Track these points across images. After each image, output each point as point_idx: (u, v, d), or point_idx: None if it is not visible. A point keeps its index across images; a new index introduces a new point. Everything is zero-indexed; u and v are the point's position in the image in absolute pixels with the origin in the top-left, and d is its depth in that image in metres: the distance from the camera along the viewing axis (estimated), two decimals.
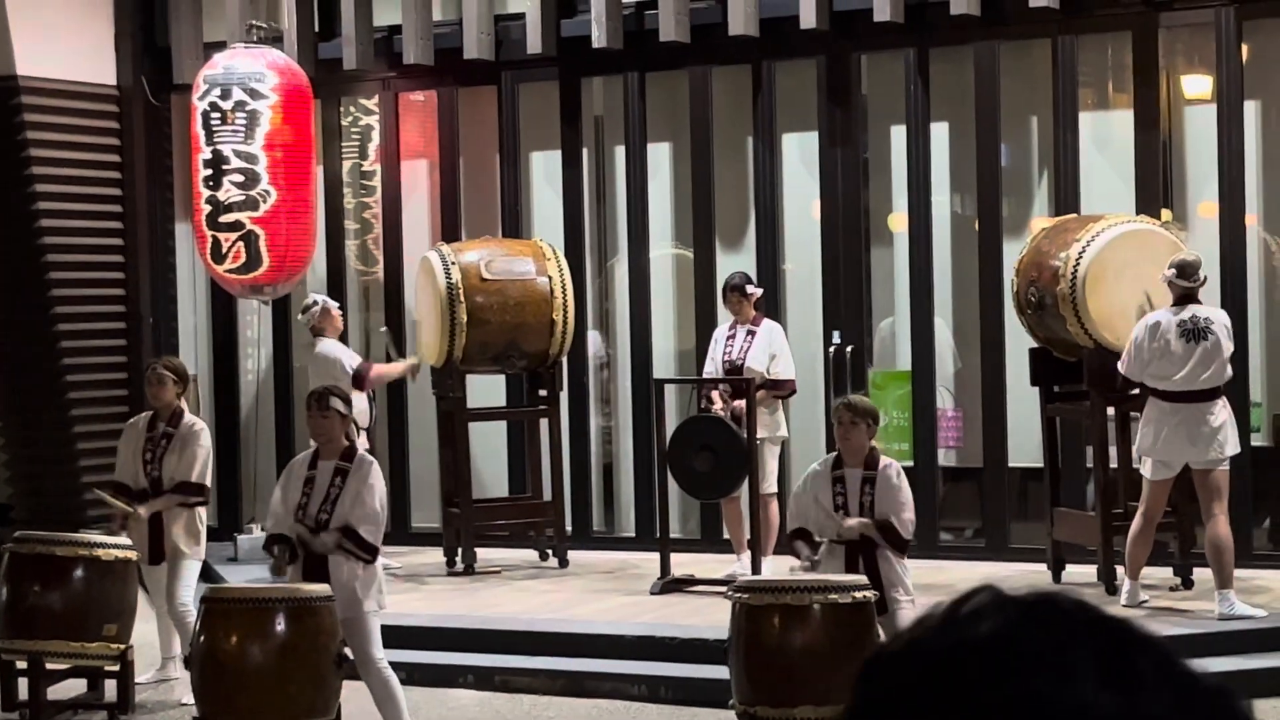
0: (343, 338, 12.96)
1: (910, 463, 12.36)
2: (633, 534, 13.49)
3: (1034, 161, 13.02)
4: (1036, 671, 0.96)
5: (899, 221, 13.15)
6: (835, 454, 8.97)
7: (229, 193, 13.07)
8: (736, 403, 11.51)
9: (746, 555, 11.46)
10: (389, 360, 13.04)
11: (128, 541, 10.04)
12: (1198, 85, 12.66)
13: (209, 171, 13.12)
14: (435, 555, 12.92)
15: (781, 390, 11.79)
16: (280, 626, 8.23)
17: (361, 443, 10.33)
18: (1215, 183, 12.08)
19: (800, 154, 13.42)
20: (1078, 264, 10.82)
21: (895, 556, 8.79)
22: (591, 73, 13.75)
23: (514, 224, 13.84)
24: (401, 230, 14.33)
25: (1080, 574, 11.18)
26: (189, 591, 10.11)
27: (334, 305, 12.71)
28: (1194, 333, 10.15)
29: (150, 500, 10.15)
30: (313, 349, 12.57)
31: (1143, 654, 0.98)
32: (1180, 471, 10.29)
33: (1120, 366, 10.35)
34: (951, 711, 0.96)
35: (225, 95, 13.06)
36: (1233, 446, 10.25)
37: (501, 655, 10.53)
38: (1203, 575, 10.58)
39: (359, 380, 12.17)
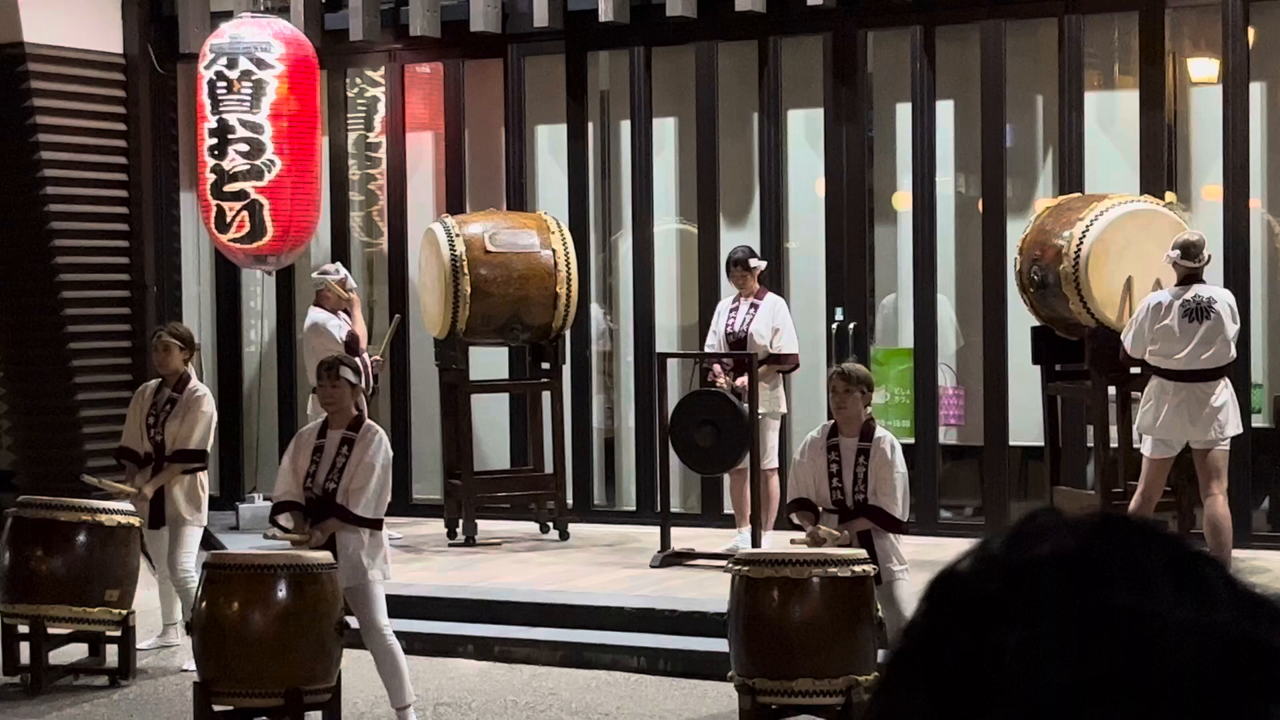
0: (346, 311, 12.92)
1: (911, 440, 12.40)
2: (634, 507, 13.53)
3: (1039, 141, 13.03)
4: (1115, 583, 0.98)
5: (903, 199, 13.16)
6: (832, 422, 8.99)
7: (234, 162, 13.08)
8: (739, 380, 11.53)
9: (748, 529, 11.50)
10: (385, 342, 12.90)
11: (130, 507, 10.09)
12: (1204, 67, 12.67)
13: (214, 140, 13.13)
14: (436, 526, 12.96)
15: (785, 365, 11.82)
16: (282, 593, 8.28)
17: None
18: (1220, 165, 12.09)
19: (805, 131, 13.43)
20: (1081, 243, 10.84)
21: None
22: (598, 46, 13.75)
23: (519, 197, 13.86)
24: (406, 202, 14.35)
25: None
26: (190, 558, 10.15)
27: (353, 285, 12.61)
28: (1196, 312, 10.18)
29: (152, 477, 10.17)
30: (307, 319, 12.55)
31: (1207, 566, 1.01)
32: (1181, 451, 10.31)
33: (1124, 341, 10.38)
34: (1035, 623, 0.98)
35: (231, 64, 13.07)
36: (1234, 427, 10.28)
37: (502, 626, 10.58)
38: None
39: (351, 345, 12.15)
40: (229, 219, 13.14)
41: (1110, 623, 0.97)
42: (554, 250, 12.66)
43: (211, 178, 13.17)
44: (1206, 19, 12.35)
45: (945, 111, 12.96)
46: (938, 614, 1.02)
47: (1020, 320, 11.99)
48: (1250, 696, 0.96)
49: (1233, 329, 10.25)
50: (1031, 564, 1.00)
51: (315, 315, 12.44)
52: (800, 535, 8.80)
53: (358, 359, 10.13)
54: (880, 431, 8.92)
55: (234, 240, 13.18)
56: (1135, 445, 10.76)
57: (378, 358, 12.63)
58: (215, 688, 8.31)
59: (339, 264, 13.02)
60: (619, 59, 13.71)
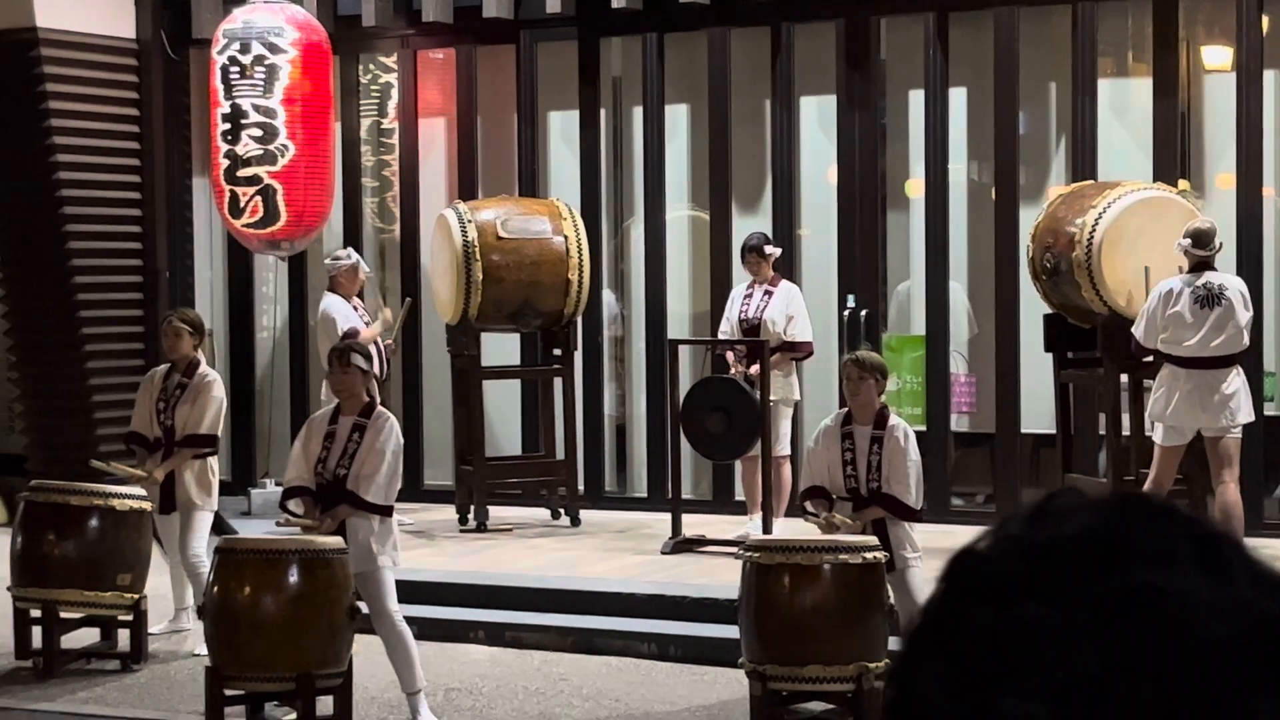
0: (360, 294, 12.92)
1: (923, 427, 12.39)
2: (645, 494, 13.54)
3: (1052, 128, 13.00)
4: (1140, 562, 0.99)
5: (916, 186, 13.15)
6: (846, 410, 8.98)
7: (247, 147, 13.08)
8: (752, 368, 11.53)
9: (759, 515, 11.49)
10: (396, 323, 12.90)
11: (142, 492, 10.10)
12: (1217, 55, 12.64)
13: (227, 126, 13.13)
14: (448, 512, 12.97)
15: (798, 352, 11.82)
16: (293, 578, 8.28)
17: None
18: (1233, 153, 12.07)
19: (818, 118, 13.41)
20: (1093, 230, 10.82)
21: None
22: (610, 33, 13.74)
23: (531, 183, 13.86)
24: (419, 188, 14.35)
25: None
26: (202, 542, 10.16)
27: (365, 269, 12.65)
28: (1207, 298, 10.16)
29: (163, 461, 10.19)
30: (319, 305, 12.56)
31: (1227, 545, 1.01)
32: (1193, 439, 10.30)
33: (1135, 332, 10.37)
34: (1059, 601, 0.98)
35: (244, 49, 13.07)
36: (1245, 414, 10.26)
37: (512, 612, 10.58)
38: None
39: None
40: (242, 204, 13.15)
41: (1134, 601, 0.97)
42: (566, 236, 12.66)
43: (225, 163, 13.18)
44: (1220, 6, 12.32)
45: (958, 98, 12.94)
46: (957, 592, 1.02)
47: (1033, 307, 11.98)
48: (1270, 673, 0.97)
49: (1245, 316, 10.23)
50: (1054, 543, 1.01)
51: (328, 301, 12.44)
52: (815, 520, 8.80)
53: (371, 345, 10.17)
54: (894, 419, 8.91)
55: (247, 225, 13.19)
56: (1147, 433, 10.75)
57: (389, 342, 12.65)
58: (227, 672, 8.32)
59: (350, 249, 13.02)
60: (631, 45, 13.70)
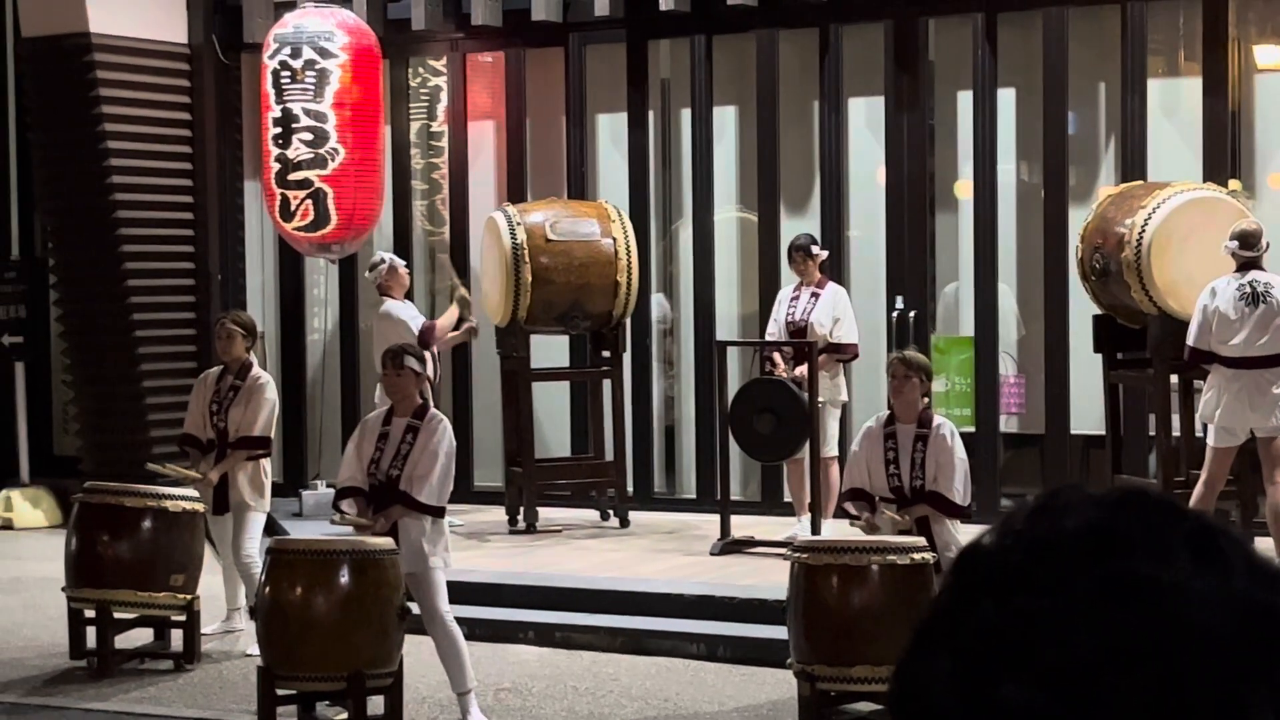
0: (409, 297, 13.00)
1: (972, 428, 12.38)
2: (693, 495, 13.55)
3: (1101, 128, 12.97)
4: (1136, 554, 1.01)
5: (964, 187, 13.13)
6: (889, 411, 8.99)
7: (298, 150, 13.16)
8: (799, 369, 11.53)
9: (806, 517, 11.50)
10: (454, 280, 13.00)
11: (195, 493, 10.18)
12: (1269, 54, 12.58)
13: (278, 130, 13.21)
14: (498, 514, 13.01)
15: (844, 354, 11.82)
16: (344, 578, 8.34)
17: None
18: None
19: (866, 119, 13.41)
20: (1143, 231, 10.79)
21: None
22: (659, 35, 13.77)
23: (579, 185, 13.89)
24: (468, 191, 14.41)
25: None
26: (254, 543, 10.23)
27: (401, 264, 12.75)
28: (1252, 297, 10.12)
29: (217, 463, 10.27)
30: (378, 308, 12.65)
31: (1225, 539, 1.04)
32: (1246, 440, 10.26)
33: (1189, 340, 10.32)
34: (1056, 593, 1.01)
35: (295, 54, 13.14)
36: None
37: (562, 613, 10.61)
38: (1264, 545, 10.55)
39: (423, 340, 12.23)
40: (293, 207, 13.22)
41: (1131, 591, 1.00)
42: (615, 239, 12.69)
43: (276, 166, 13.26)
44: (1271, 5, 12.27)
45: (1007, 99, 12.91)
46: (962, 585, 1.05)
47: (1082, 308, 11.95)
48: (1262, 663, 0.99)
49: None
50: (1055, 536, 1.03)
51: (390, 307, 12.49)
52: (857, 522, 8.81)
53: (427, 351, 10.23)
54: (938, 419, 8.92)
55: (298, 229, 13.27)
56: (1198, 434, 10.71)
57: (473, 323, 12.71)
58: (279, 671, 8.38)
59: (380, 253, 13.05)
60: (680, 47, 13.72)
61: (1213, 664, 0.98)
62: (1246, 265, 10.20)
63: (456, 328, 12.76)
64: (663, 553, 11.86)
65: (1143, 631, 0.99)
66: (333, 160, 13.14)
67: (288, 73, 13.14)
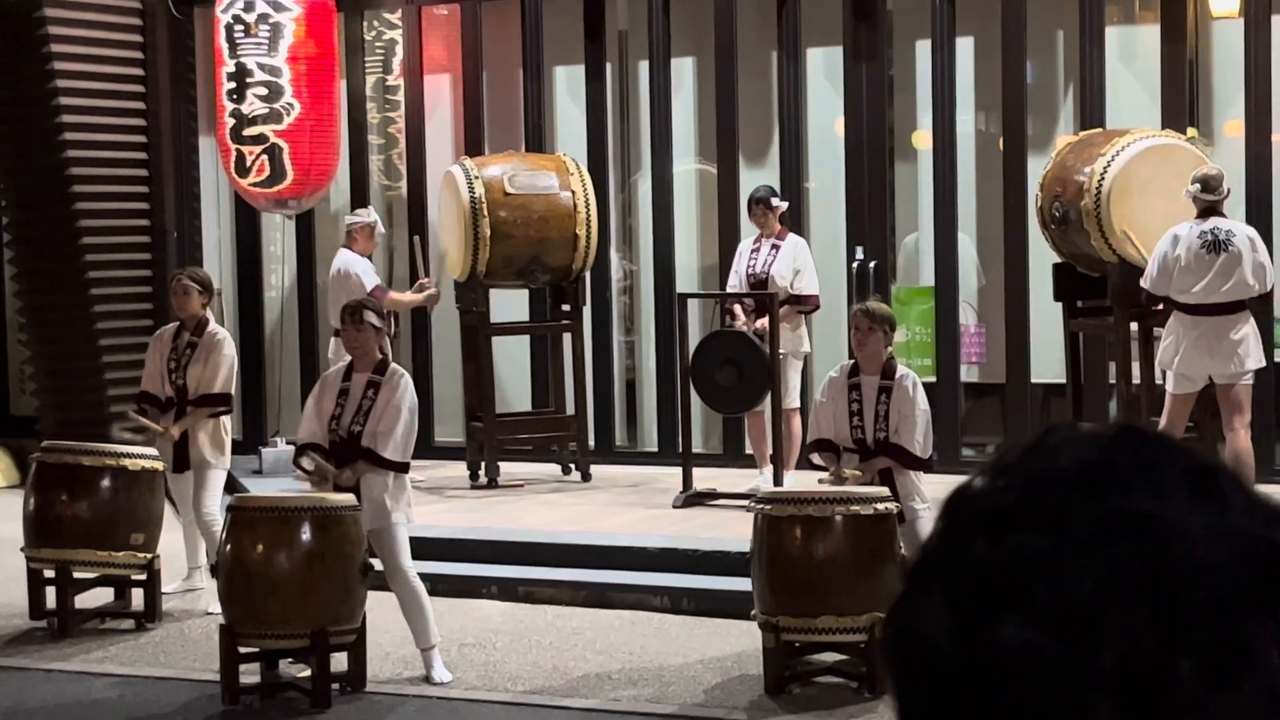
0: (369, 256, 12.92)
1: (933, 378, 12.40)
2: (655, 448, 13.54)
3: (1059, 77, 12.96)
4: (1133, 490, 1.00)
5: (923, 138, 13.11)
6: (853, 361, 8.98)
7: (253, 106, 13.06)
8: (760, 321, 11.52)
9: (769, 469, 11.50)
10: (418, 266, 12.98)
11: (154, 451, 10.12)
12: (1225, 2, 12.58)
13: (232, 85, 13.11)
14: (459, 469, 12.99)
15: (805, 305, 11.81)
16: (306, 535, 8.31)
17: None
18: (1242, 100, 12.03)
19: (825, 69, 13.37)
20: (1102, 178, 10.80)
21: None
22: None
23: (537, 139, 13.83)
24: (425, 145, 14.33)
25: None
26: (215, 500, 10.19)
27: (381, 231, 12.72)
28: (1214, 244, 10.13)
29: (177, 420, 10.21)
30: (333, 261, 12.56)
31: (1221, 475, 1.02)
32: (1204, 386, 10.29)
33: (1143, 282, 10.34)
34: (1052, 529, 0.99)
35: (248, 8, 13.04)
36: (1255, 360, 10.24)
37: (525, 567, 10.60)
38: None
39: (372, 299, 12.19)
40: (248, 163, 13.14)
41: (1127, 527, 0.98)
42: (573, 191, 12.64)
43: (230, 122, 13.16)
44: None
45: (965, 48, 12.89)
46: (954, 527, 1.03)
47: (1042, 257, 11.96)
48: (1264, 597, 0.97)
49: (1253, 261, 10.17)
50: (1049, 474, 1.01)
51: (346, 257, 12.45)
52: (824, 475, 8.80)
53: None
54: (902, 370, 8.91)
55: (254, 184, 13.18)
56: (1158, 381, 10.74)
57: (433, 290, 12.70)
58: (241, 630, 8.35)
59: (371, 208, 13.03)
60: None
61: (1213, 599, 0.97)
62: (1208, 210, 10.21)
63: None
64: (625, 506, 11.86)
65: (1142, 568, 0.97)
66: (288, 115, 13.05)
67: (241, 27, 13.04)
